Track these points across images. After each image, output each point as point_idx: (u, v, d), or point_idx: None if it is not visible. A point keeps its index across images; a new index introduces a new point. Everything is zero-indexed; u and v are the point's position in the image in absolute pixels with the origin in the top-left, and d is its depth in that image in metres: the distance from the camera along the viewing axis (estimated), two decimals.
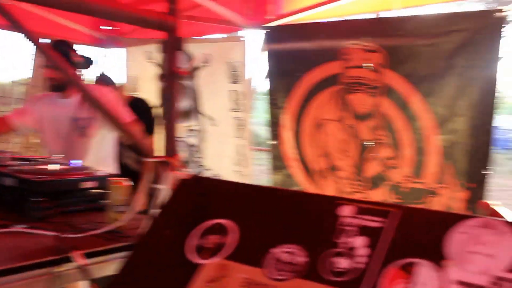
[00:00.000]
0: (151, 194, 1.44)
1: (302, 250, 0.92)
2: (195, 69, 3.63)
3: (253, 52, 3.75)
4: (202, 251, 1.01)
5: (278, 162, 3.17)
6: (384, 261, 0.83)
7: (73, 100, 2.34)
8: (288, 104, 3.06)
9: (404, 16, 2.75)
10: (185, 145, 3.81)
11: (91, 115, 2.29)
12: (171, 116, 1.71)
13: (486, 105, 2.44)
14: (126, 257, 1.12)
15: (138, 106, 2.96)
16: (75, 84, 2.13)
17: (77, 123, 2.32)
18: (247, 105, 3.27)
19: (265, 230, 1.01)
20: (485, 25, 2.40)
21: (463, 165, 2.51)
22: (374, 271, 0.82)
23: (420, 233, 0.85)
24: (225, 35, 4.05)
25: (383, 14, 2.93)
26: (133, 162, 2.77)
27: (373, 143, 2.80)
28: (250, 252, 0.96)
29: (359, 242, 0.87)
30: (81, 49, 2.41)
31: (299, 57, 2.99)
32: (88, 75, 2.70)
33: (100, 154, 2.38)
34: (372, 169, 2.82)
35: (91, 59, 2.43)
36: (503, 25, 2.37)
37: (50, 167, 1.85)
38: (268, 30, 3.07)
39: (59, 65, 1.89)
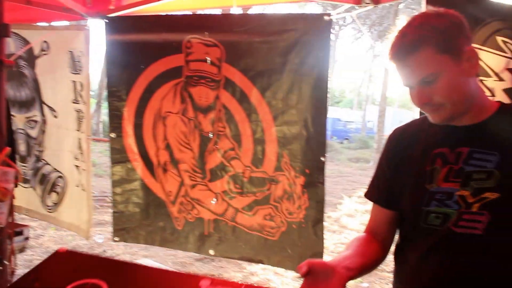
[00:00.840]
0: None
1: None
2: (34, 57, 3.40)
3: (97, 42, 3.62)
4: None
5: (119, 155, 3.09)
6: None
7: None
8: (130, 96, 2.99)
9: (242, 14, 2.87)
10: (24, 138, 3.56)
11: None
12: None
13: (318, 99, 2.64)
14: None
15: None
16: None
17: None
18: (86, 96, 3.13)
19: None
20: (315, 27, 2.59)
21: (298, 153, 2.70)
22: None
23: None
24: (68, 23, 3.86)
25: (226, 10, 3.01)
26: None
27: (214, 135, 2.88)
28: None
29: None
30: None
31: (141, 49, 2.93)
32: None
33: None
34: (213, 161, 2.90)
35: None
36: (330, 27, 2.58)
37: None
38: (108, 21, 2.96)
39: None
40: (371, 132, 26.80)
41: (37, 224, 5.99)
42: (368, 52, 32.32)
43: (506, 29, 2.24)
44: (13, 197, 2.47)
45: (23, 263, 4.36)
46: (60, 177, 3.45)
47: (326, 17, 2.56)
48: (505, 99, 2.22)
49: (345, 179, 12.15)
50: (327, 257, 5.39)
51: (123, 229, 3.22)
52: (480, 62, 2.25)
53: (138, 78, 2.95)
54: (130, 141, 3.05)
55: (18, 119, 3.56)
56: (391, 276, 1.52)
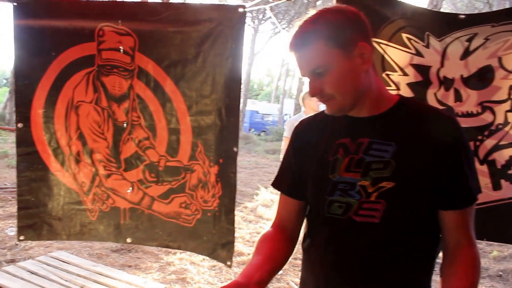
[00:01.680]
0: None
1: None
2: None
3: (7, 27, 3.43)
4: None
5: (26, 147, 2.94)
6: None
7: None
8: (40, 85, 2.87)
9: (156, 3, 2.86)
10: None
11: None
12: None
13: (232, 90, 2.71)
14: None
15: None
16: None
17: None
18: None
19: None
20: (230, 18, 2.65)
21: (212, 143, 2.76)
22: None
23: None
24: None
25: None
26: None
27: (128, 125, 2.87)
28: None
29: None
30: None
31: (51, 36, 2.82)
32: None
33: None
34: (128, 150, 2.89)
35: None
36: (244, 19, 2.66)
37: None
38: (16, 4, 2.83)
39: None
40: None
41: None
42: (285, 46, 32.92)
43: (410, 26, 2.43)
44: None
45: None
46: None
47: (240, 9, 2.63)
48: (409, 93, 2.43)
49: (262, 170, 12.40)
50: (243, 246, 5.54)
51: (29, 226, 3.01)
52: (387, 57, 2.46)
53: (49, 66, 2.84)
54: (39, 132, 2.94)
55: None
56: None
